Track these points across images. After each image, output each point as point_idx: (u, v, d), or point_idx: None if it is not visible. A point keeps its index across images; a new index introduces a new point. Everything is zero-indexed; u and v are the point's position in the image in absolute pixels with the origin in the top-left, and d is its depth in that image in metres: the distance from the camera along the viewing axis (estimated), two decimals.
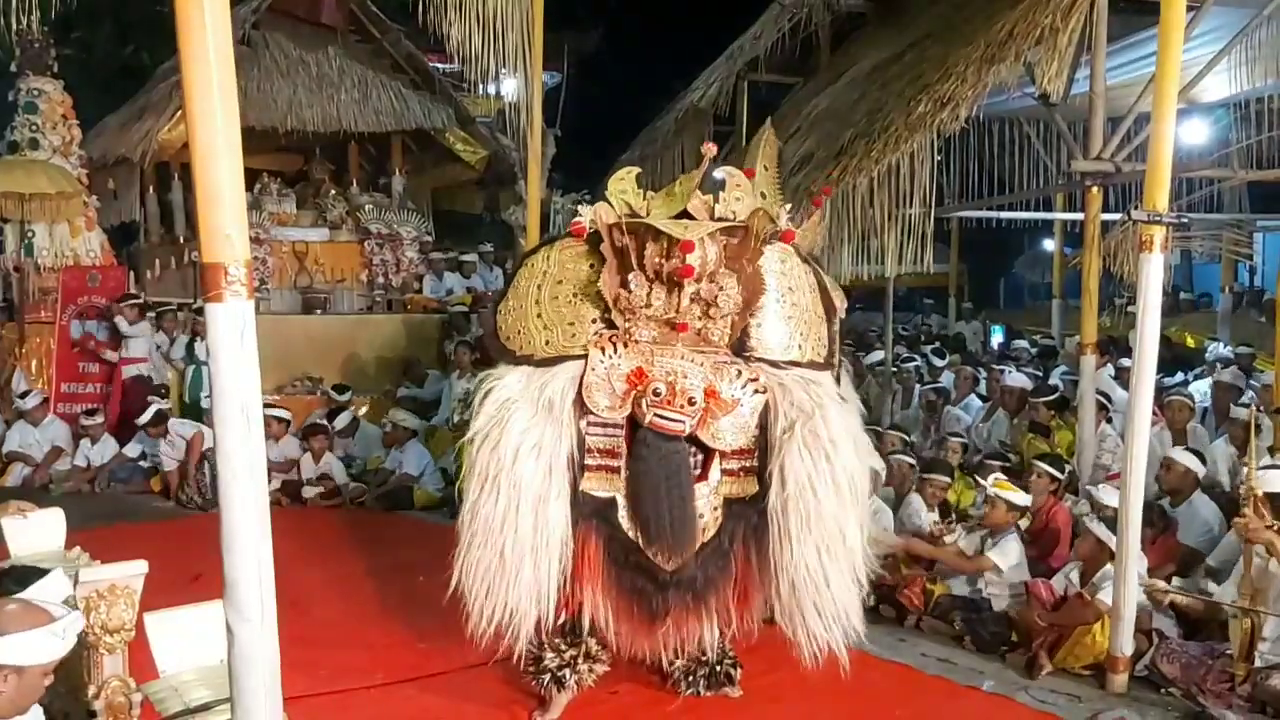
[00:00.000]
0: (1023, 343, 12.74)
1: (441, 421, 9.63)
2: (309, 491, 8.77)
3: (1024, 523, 5.79)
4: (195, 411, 9.44)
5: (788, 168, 7.24)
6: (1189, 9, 5.56)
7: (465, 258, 13.06)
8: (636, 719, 4.53)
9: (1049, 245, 17.36)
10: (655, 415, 4.03)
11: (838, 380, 4.44)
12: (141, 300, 10.41)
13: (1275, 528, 4.47)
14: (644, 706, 4.59)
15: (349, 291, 11.96)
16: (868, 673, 4.75)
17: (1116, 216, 7.49)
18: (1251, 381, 8.54)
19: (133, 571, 3.41)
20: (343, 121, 12.18)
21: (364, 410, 10.22)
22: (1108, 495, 5.38)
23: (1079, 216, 8.57)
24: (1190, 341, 12.28)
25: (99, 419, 9.66)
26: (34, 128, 10.49)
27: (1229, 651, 4.57)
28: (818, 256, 5.25)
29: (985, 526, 5.64)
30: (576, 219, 4.29)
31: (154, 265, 11.51)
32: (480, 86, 10.20)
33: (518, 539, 3.97)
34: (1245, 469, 4.80)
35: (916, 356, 11.16)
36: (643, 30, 19.27)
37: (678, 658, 4.56)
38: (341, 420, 9.59)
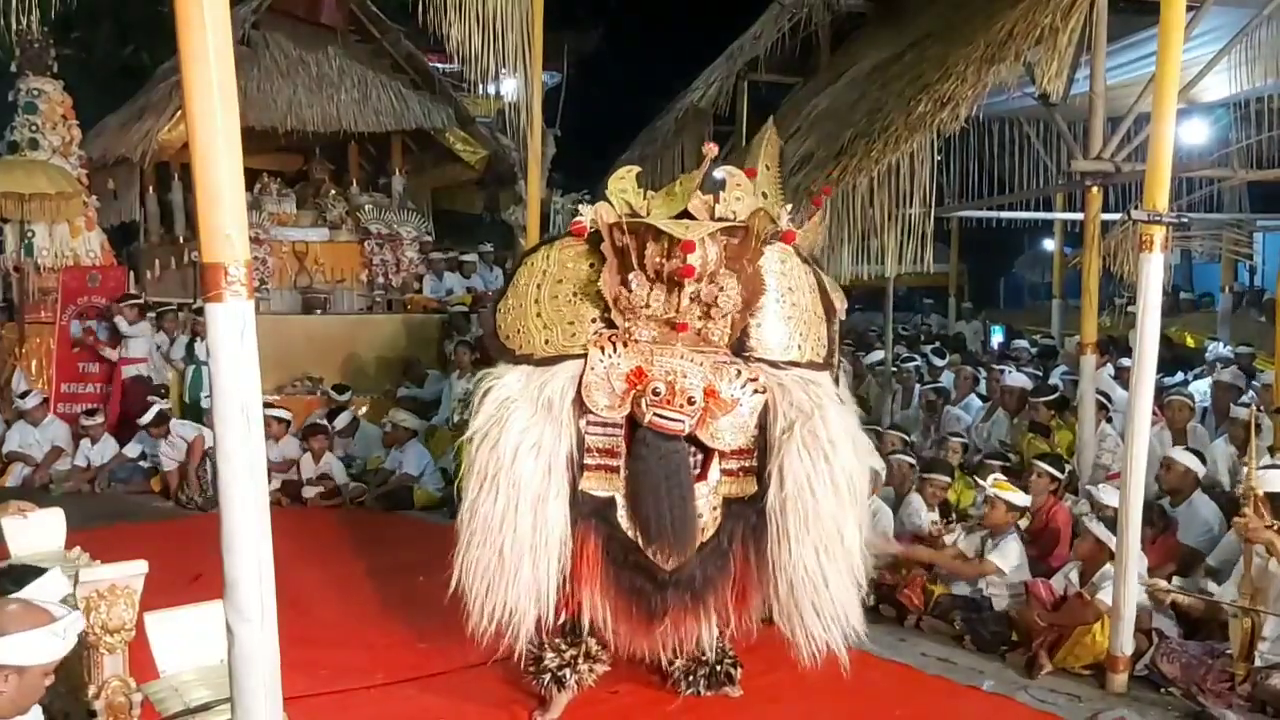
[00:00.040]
0: (1023, 343, 12.73)
1: (441, 421, 9.63)
2: (309, 491, 8.77)
3: (1024, 523, 5.79)
4: (195, 411, 9.44)
5: (788, 168, 7.23)
6: (1189, 9, 5.56)
7: (465, 258, 13.06)
8: (636, 719, 4.53)
9: (1049, 245, 17.36)
10: (655, 415, 4.03)
11: (836, 381, 4.44)
12: (142, 300, 10.41)
13: (1275, 528, 4.47)
14: (644, 706, 4.59)
15: (349, 291, 11.96)
16: (868, 672, 4.75)
17: (1116, 216, 7.49)
18: (1253, 382, 8.53)
19: (133, 571, 3.42)
20: (343, 121, 12.19)
21: (364, 410, 10.22)
22: (1108, 495, 5.38)
23: (1079, 216, 8.57)
24: (1190, 341, 12.27)
25: (99, 419, 9.66)
26: (34, 128, 10.49)
27: (1229, 651, 4.57)
28: (817, 257, 5.26)
29: (985, 527, 5.64)
30: (577, 218, 4.29)
31: (154, 265, 11.52)
32: (480, 86, 10.18)
33: (517, 538, 3.97)
34: (1245, 469, 4.80)
35: (916, 356, 11.15)
36: (643, 30, 19.27)
37: (677, 657, 4.57)
38: (341, 420, 9.59)
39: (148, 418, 9.03)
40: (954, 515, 6.51)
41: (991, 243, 19.74)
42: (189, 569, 4.95)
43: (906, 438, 7.67)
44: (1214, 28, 7.38)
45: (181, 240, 11.55)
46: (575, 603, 4.26)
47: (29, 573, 2.93)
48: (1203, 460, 5.92)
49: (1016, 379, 8.43)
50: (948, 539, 5.94)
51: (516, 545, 3.97)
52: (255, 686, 2.63)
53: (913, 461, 6.85)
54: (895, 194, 7.10)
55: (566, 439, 4.09)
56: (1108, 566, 4.90)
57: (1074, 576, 5.20)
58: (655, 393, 4.03)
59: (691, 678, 4.60)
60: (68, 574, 3.32)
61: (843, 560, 4.10)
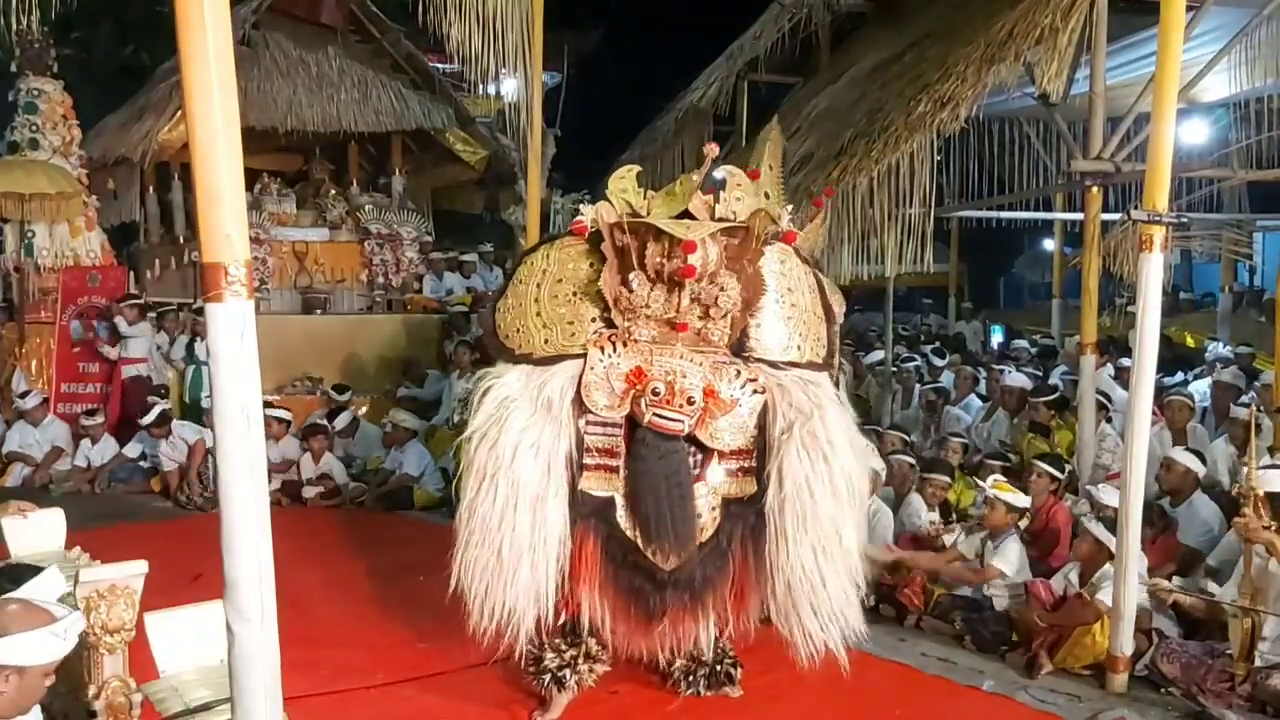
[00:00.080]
0: (1023, 343, 12.73)
1: (441, 421, 9.63)
2: (309, 491, 8.77)
3: (1024, 523, 5.78)
4: (195, 411, 9.44)
5: (788, 168, 7.24)
6: (1189, 9, 5.56)
7: (465, 258, 13.06)
8: (636, 719, 4.53)
9: (1049, 245, 17.35)
10: (654, 415, 4.03)
11: (837, 384, 4.44)
12: (142, 300, 10.41)
13: (1275, 528, 4.47)
14: (644, 706, 4.59)
15: (349, 291, 11.95)
16: (868, 672, 4.75)
17: (1116, 216, 7.49)
18: (1255, 382, 8.52)
19: (133, 571, 3.42)
20: (343, 121, 12.17)
21: (364, 410, 10.22)
22: (1108, 495, 5.38)
23: (1079, 216, 8.57)
24: (1190, 341, 12.27)
25: (99, 419, 9.65)
26: (34, 128, 10.48)
27: (1229, 651, 4.57)
28: (818, 259, 5.26)
29: (985, 528, 5.63)
30: (578, 218, 4.29)
31: (154, 265, 11.51)
32: (480, 86, 10.19)
33: (515, 538, 3.97)
34: (1245, 469, 4.80)
35: (916, 356, 11.15)
36: (643, 30, 19.26)
37: (676, 657, 4.57)
38: (341, 420, 9.59)
39: (150, 418, 9.02)
40: (954, 515, 6.51)
41: (991, 243, 19.73)
42: (189, 569, 4.95)
43: (906, 438, 7.67)
44: (1214, 28, 7.38)
45: (181, 240, 11.54)
46: (575, 603, 4.26)
47: (26, 571, 2.93)
48: (1203, 460, 5.92)
49: (1016, 379, 8.43)
50: (947, 539, 5.94)
51: (515, 545, 3.97)
52: (255, 686, 2.63)
53: (913, 462, 6.85)
54: (895, 194, 7.10)
55: (566, 438, 4.09)
56: (1107, 567, 4.90)
57: (1073, 577, 5.20)
58: (655, 393, 4.03)
59: (691, 678, 4.60)
60: (68, 574, 3.32)
61: (840, 561, 4.10)
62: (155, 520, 8.27)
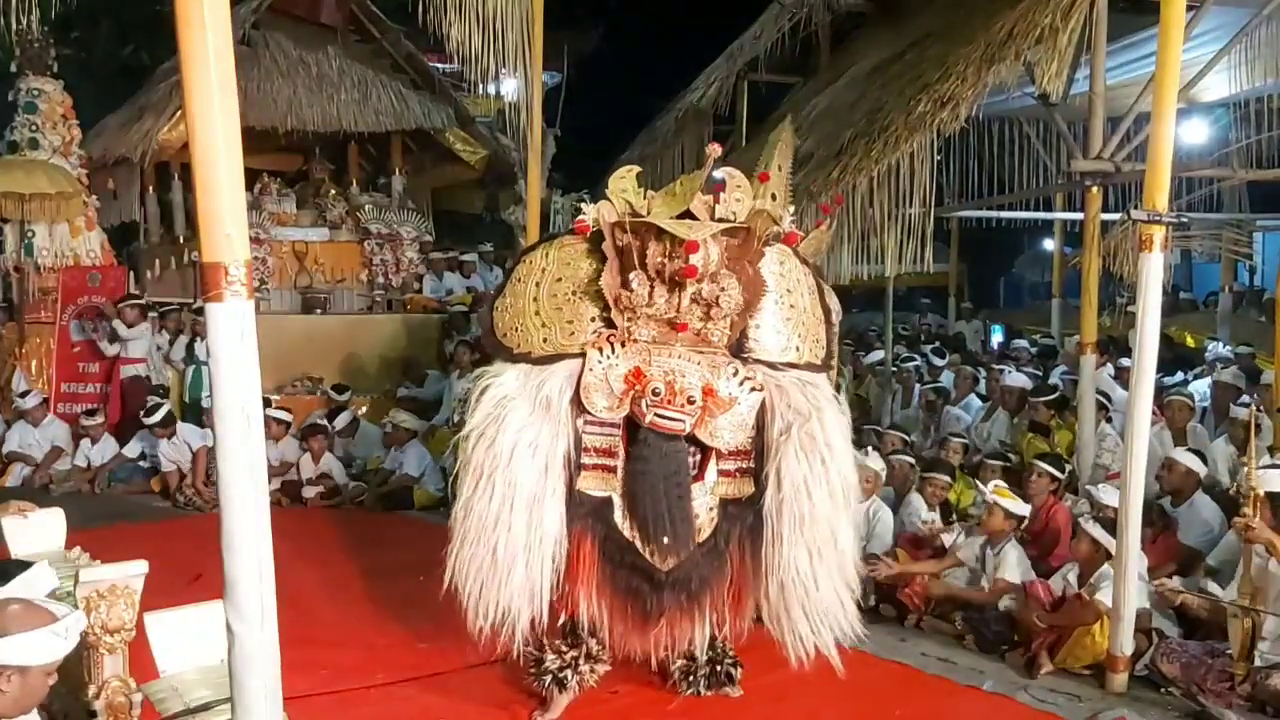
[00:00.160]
0: (1023, 342, 12.73)
1: (442, 421, 9.62)
2: (309, 491, 8.77)
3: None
4: (196, 411, 9.45)
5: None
6: (1189, 9, 5.56)
7: (465, 258, 13.07)
8: (636, 719, 4.53)
9: (1049, 245, 17.34)
10: (656, 415, 4.03)
11: (836, 387, 4.45)
12: (142, 300, 10.41)
13: (1276, 528, 4.47)
14: (644, 706, 4.59)
15: (349, 291, 11.95)
16: (868, 672, 4.75)
17: (1116, 216, 7.49)
18: (1257, 383, 8.51)
19: (133, 571, 3.41)
20: (343, 121, 12.16)
21: (364, 410, 10.21)
22: (1108, 495, 5.38)
23: (1079, 216, 8.57)
24: (1190, 341, 12.27)
25: (99, 419, 9.66)
26: (34, 128, 10.47)
27: (1229, 651, 4.57)
28: (819, 265, 5.26)
29: (984, 532, 5.62)
30: (580, 217, 4.29)
31: (154, 265, 11.50)
32: (480, 86, 10.18)
33: (511, 537, 3.97)
34: (1245, 469, 4.80)
35: (916, 356, 11.15)
36: (643, 30, 19.26)
37: (675, 658, 4.56)
38: (341, 420, 9.59)
39: (156, 418, 8.98)
40: (954, 515, 6.51)
41: (991, 242, 19.74)
42: (189, 569, 4.95)
43: (906, 438, 7.67)
44: (1214, 28, 7.39)
45: (181, 240, 11.54)
46: (573, 603, 4.25)
47: (14, 567, 2.93)
48: (1204, 461, 5.92)
49: (1016, 379, 8.43)
50: (946, 539, 5.94)
51: (510, 545, 3.97)
52: (255, 686, 2.63)
53: (913, 461, 6.86)
54: (895, 194, 7.11)
55: (564, 438, 4.08)
56: (1106, 567, 4.89)
57: (1072, 578, 5.20)
58: (655, 393, 4.02)
59: (691, 678, 4.59)
60: (68, 574, 3.32)
61: (835, 563, 4.11)
62: (155, 520, 8.27)
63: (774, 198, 4.49)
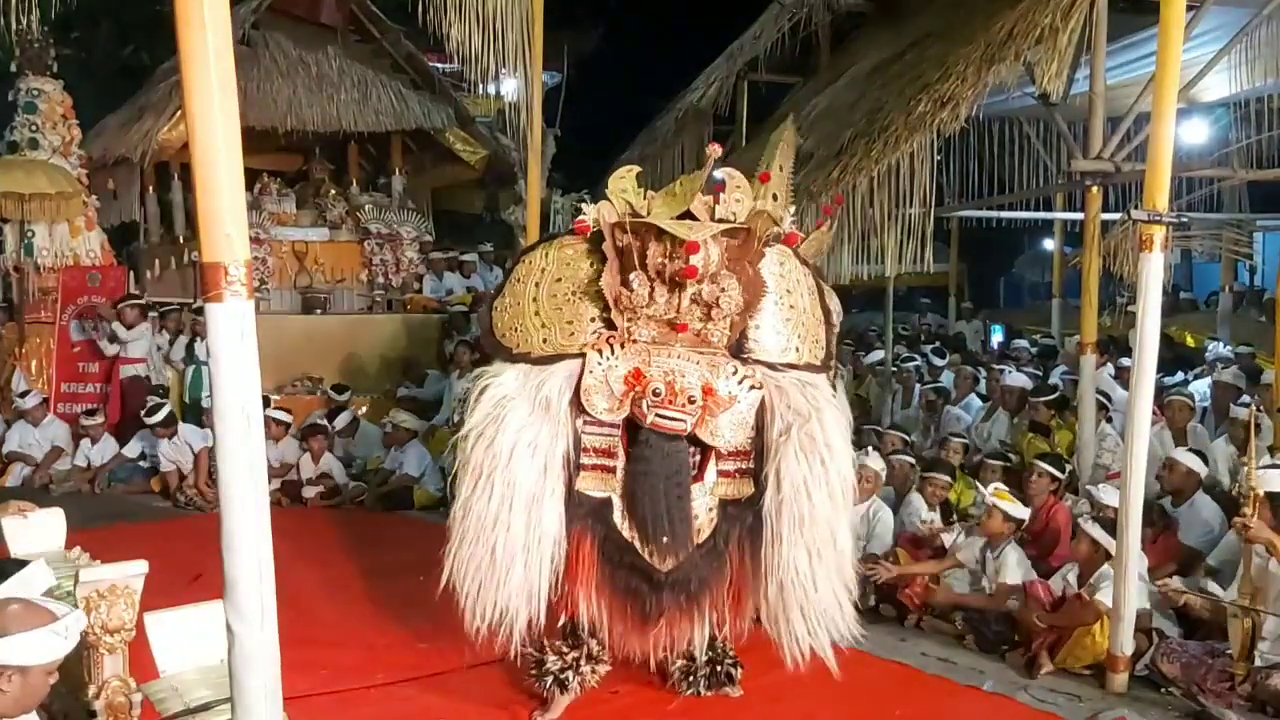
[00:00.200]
0: (1023, 342, 12.73)
1: (442, 421, 9.62)
2: (309, 491, 8.77)
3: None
4: (196, 411, 9.45)
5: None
6: (1189, 9, 5.56)
7: (465, 258, 13.07)
8: (636, 719, 4.53)
9: (1049, 245, 17.35)
10: (657, 416, 4.02)
11: (834, 387, 4.45)
12: (142, 301, 10.41)
13: (1276, 528, 4.47)
14: (644, 706, 4.59)
15: (349, 291, 11.95)
16: (868, 672, 4.76)
17: (1116, 216, 7.49)
18: (1258, 383, 8.51)
19: (133, 571, 3.41)
20: (343, 121, 12.16)
21: (364, 410, 10.22)
22: (1108, 495, 5.38)
23: (1079, 216, 8.57)
24: (1190, 341, 12.27)
25: (99, 419, 9.66)
26: (34, 128, 10.47)
27: (1229, 651, 4.57)
28: (819, 266, 5.26)
29: (983, 534, 5.62)
30: (580, 217, 4.29)
31: (154, 265, 11.50)
32: (480, 86, 10.18)
33: (509, 537, 3.96)
34: (1245, 469, 4.80)
35: (916, 356, 11.15)
36: (643, 30, 19.26)
37: (674, 658, 4.56)
38: (341, 420, 9.59)
39: (158, 418, 8.97)
40: (954, 515, 6.51)
41: (991, 242, 19.74)
42: (189, 569, 4.95)
43: (907, 438, 7.67)
44: (1214, 28, 7.38)
45: (181, 240, 11.54)
46: (572, 604, 4.25)
47: (10, 565, 2.92)
48: (1205, 461, 5.92)
49: (1016, 379, 8.43)
50: (946, 539, 5.94)
51: (509, 545, 3.96)
52: (255, 686, 2.63)
53: (913, 461, 6.85)
54: (895, 194, 7.11)
55: (564, 438, 4.08)
56: (1106, 567, 4.89)
57: (1072, 578, 5.20)
58: (655, 393, 4.02)
59: (691, 678, 4.59)
60: (68, 574, 3.32)
61: (833, 563, 4.11)
62: (155, 520, 8.27)
63: (775, 198, 4.49)
